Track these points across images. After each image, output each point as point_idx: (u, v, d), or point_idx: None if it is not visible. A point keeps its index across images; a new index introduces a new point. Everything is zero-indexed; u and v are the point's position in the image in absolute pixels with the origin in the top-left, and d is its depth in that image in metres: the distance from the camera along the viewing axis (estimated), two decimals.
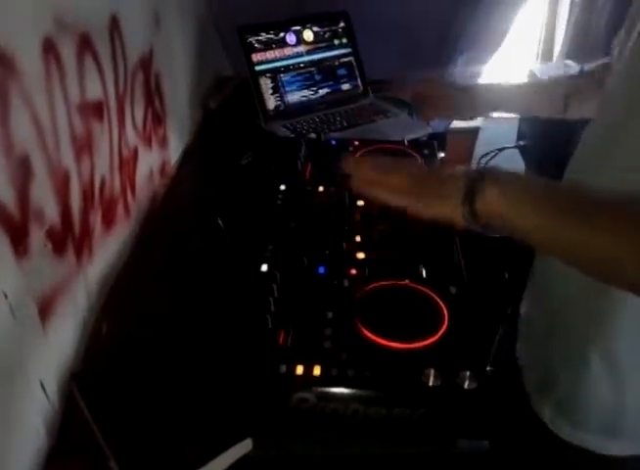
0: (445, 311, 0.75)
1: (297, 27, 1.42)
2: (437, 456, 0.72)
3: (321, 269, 0.84)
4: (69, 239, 0.74)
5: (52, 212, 0.69)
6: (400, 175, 0.69)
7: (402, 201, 0.69)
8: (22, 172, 0.62)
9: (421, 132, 1.36)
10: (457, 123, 2.10)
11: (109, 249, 0.90)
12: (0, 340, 0.61)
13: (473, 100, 1.08)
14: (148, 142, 1.06)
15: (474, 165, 0.95)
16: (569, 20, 1.91)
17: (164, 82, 1.13)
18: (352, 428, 0.70)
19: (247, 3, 1.45)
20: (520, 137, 1.62)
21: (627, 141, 0.64)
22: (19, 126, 0.61)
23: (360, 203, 0.97)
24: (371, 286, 0.79)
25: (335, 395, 0.68)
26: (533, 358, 0.81)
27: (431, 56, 1.66)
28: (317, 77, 1.44)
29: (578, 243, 0.54)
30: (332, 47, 1.46)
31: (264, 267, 0.84)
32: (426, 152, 1.12)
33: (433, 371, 0.68)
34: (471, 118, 1.17)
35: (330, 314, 0.77)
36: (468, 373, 0.68)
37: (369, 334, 0.72)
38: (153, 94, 1.06)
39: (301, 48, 1.43)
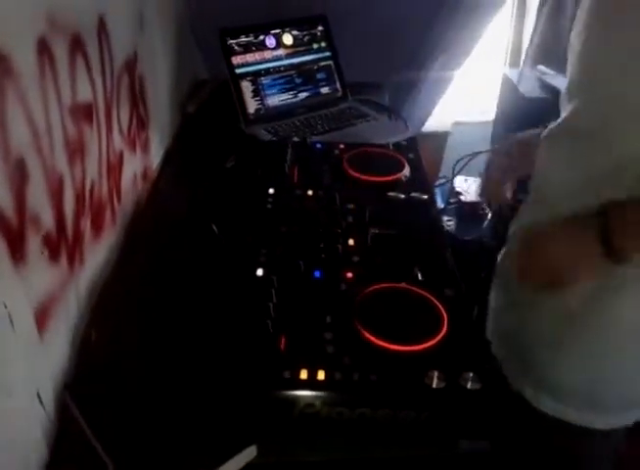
0: (444, 313, 0.76)
1: (277, 31, 1.42)
2: (440, 458, 0.72)
3: (317, 273, 0.84)
4: (63, 245, 0.72)
5: (47, 218, 0.67)
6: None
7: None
8: (19, 176, 0.60)
9: (401, 135, 1.37)
10: (427, 127, 2.14)
11: (97, 255, 0.88)
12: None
13: None
14: (132, 146, 1.04)
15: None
16: (535, 27, 1.95)
17: (147, 86, 1.11)
18: (357, 432, 0.70)
19: (223, 6, 1.44)
20: (494, 141, 1.65)
21: None
22: (15, 128, 0.59)
23: (351, 206, 0.97)
24: (369, 289, 0.79)
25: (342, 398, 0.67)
26: (508, 350, 0.82)
27: (407, 60, 1.69)
28: (297, 81, 1.44)
29: None
30: (311, 51, 1.46)
31: (260, 272, 0.83)
32: (410, 155, 1.13)
33: (436, 373, 0.69)
34: None
35: (329, 318, 0.76)
36: (471, 374, 0.69)
37: (371, 337, 0.72)
38: (137, 97, 1.04)
39: (281, 51, 1.42)
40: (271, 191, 1.01)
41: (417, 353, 0.71)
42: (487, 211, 1.72)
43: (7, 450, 0.60)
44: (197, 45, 1.55)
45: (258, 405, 0.69)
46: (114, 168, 0.94)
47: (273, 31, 1.42)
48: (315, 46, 1.46)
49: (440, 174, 1.76)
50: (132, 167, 1.04)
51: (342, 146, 1.15)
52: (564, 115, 0.72)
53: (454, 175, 1.65)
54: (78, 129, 0.75)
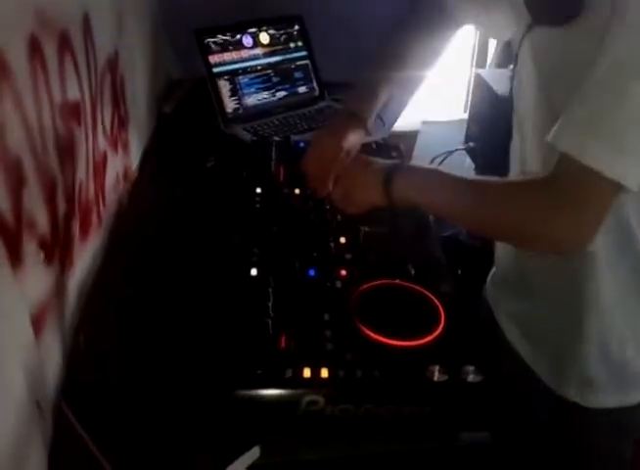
0: (441, 308, 0.77)
1: (253, 30, 1.41)
2: (442, 450, 0.73)
3: (311, 272, 0.84)
4: (57, 248, 0.70)
5: (43, 220, 0.65)
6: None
7: (338, 190, 0.85)
8: (16, 178, 0.59)
9: (380, 135, 1.38)
10: (397, 127, 2.16)
11: (84, 257, 0.86)
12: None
13: None
14: (115, 146, 1.02)
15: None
16: None
17: (127, 85, 1.09)
18: (361, 429, 0.70)
19: (197, 5, 1.43)
20: (468, 139, 1.68)
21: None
22: (11, 129, 0.57)
23: None
24: (365, 286, 0.80)
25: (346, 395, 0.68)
26: (541, 352, 0.85)
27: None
28: (274, 80, 1.44)
29: (468, 210, 0.72)
30: (288, 50, 1.46)
31: (254, 272, 0.83)
32: (394, 154, 1.14)
33: (437, 367, 0.70)
34: None
35: (327, 316, 0.76)
36: (471, 367, 0.70)
37: (370, 334, 0.73)
38: (118, 97, 1.02)
39: (258, 50, 1.42)
40: (258, 190, 1.01)
41: (417, 349, 0.72)
42: None
43: (8, 460, 0.58)
44: (170, 44, 1.53)
45: (260, 405, 0.68)
46: (99, 169, 0.92)
47: (250, 30, 1.41)
48: (292, 45, 1.46)
49: None
50: (115, 168, 1.02)
51: None
52: None
53: None
54: (68, 129, 0.73)
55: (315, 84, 1.49)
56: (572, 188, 0.62)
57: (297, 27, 1.47)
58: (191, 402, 0.70)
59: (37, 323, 0.64)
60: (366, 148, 1.15)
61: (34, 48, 0.63)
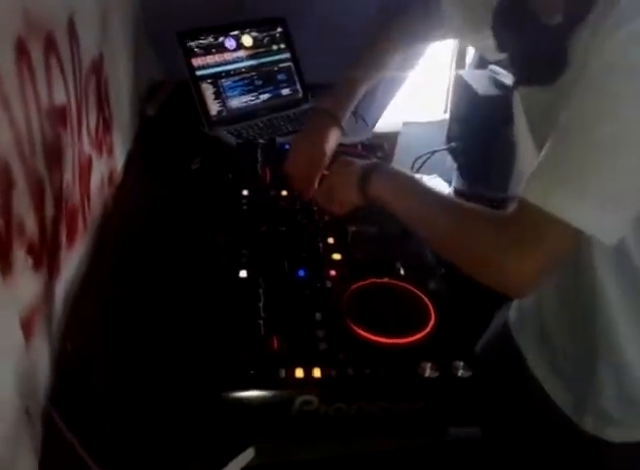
0: (430, 306, 0.78)
1: (236, 32, 1.41)
2: (433, 445, 0.74)
3: (301, 272, 0.84)
4: (45, 253, 0.69)
5: (31, 225, 0.64)
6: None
7: (321, 190, 0.88)
8: (5, 182, 0.58)
9: (364, 135, 1.39)
10: (379, 128, 2.17)
11: (71, 262, 0.85)
12: None
13: None
14: (99, 149, 1.01)
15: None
16: None
17: (110, 88, 1.08)
18: (354, 427, 0.71)
19: (179, 7, 1.42)
20: (450, 139, 1.69)
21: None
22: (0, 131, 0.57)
23: None
24: (356, 286, 0.80)
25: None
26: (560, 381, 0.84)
27: None
28: (257, 83, 1.44)
29: (430, 222, 0.72)
30: (271, 52, 1.46)
31: (243, 273, 0.83)
32: (379, 154, 1.15)
33: (428, 364, 0.71)
34: None
35: (319, 316, 0.77)
36: (461, 363, 0.71)
37: (362, 332, 0.74)
38: (103, 100, 1.02)
39: (241, 53, 1.42)
40: (245, 193, 1.01)
41: (408, 346, 0.73)
42: None
43: None
44: (153, 46, 1.52)
45: (254, 406, 0.69)
46: (85, 173, 0.91)
47: (232, 33, 1.41)
48: (275, 47, 1.47)
49: None
50: (100, 171, 1.02)
51: None
52: None
53: (414, 173, 1.69)
54: (55, 133, 0.73)
55: (299, 86, 1.50)
56: (530, 227, 0.61)
57: (279, 30, 1.47)
58: (183, 405, 0.70)
59: (27, 328, 0.63)
60: (351, 148, 1.16)
61: (21, 50, 0.62)
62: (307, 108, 1.48)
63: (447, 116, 1.80)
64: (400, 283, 0.81)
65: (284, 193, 1.01)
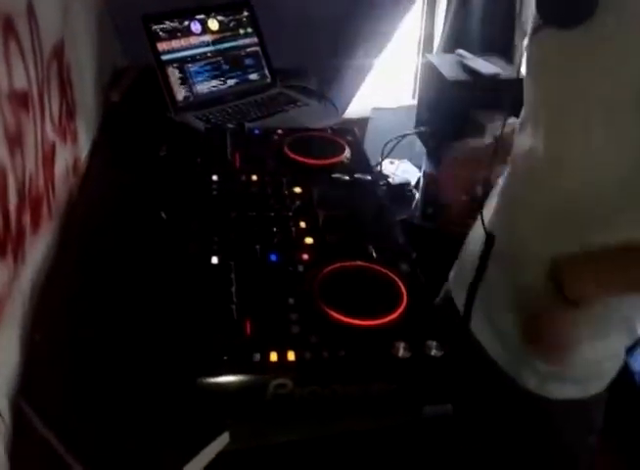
0: (402, 287, 0.78)
1: (202, 16, 1.39)
2: (406, 424, 0.75)
3: (273, 257, 0.84)
4: (9, 241, 0.68)
5: None
6: None
7: None
8: None
9: (334, 120, 1.39)
10: (348, 114, 2.17)
11: (36, 251, 0.83)
12: None
13: None
14: (63, 137, 0.99)
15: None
16: (446, 16, 2.03)
17: (73, 73, 1.05)
18: (329, 409, 0.71)
19: None
20: (418, 123, 1.70)
21: None
22: None
23: (297, 189, 0.98)
24: (328, 269, 0.80)
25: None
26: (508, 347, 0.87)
27: (331, 45, 1.70)
28: (225, 67, 1.42)
29: None
30: (237, 36, 1.44)
31: (215, 259, 0.82)
32: (349, 138, 1.14)
33: (402, 344, 0.71)
34: None
35: (292, 300, 0.77)
36: (434, 342, 0.72)
37: (335, 315, 0.74)
38: (66, 85, 0.99)
39: (207, 37, 1.40)
40: (214, 178, 1.00)
41: (381, 327, 0.73)
42: (415, 192, 1.79)
43: None
44: (116, 31, 1.49)
45: (228, 391, 0.68)
46: (48, 160, 0.89)
47: (198, 17, 1.39)
48: (242, 32, 1.45)
49: None
50: (64, 159, 1.00)
51: (280, 131, 1.15)
52: None
53: (384, 158, 1.70)
54: (16, 119, 0.71)
55: (267, 71, 1.48)
56: None
57: (245, 13, 1.45)
58: (157, 391, 0.69)
59: None
60: (321, 132, 1.16)
61: None
62: (276, 93, 1.47)
63: (416, 100, 1.81)
64: (372, 265, 0.82)
65: (254, 178, 1.00)
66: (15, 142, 0.70)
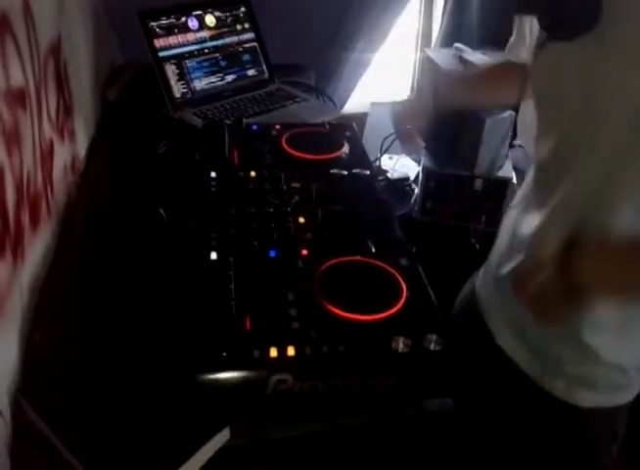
0: (401, 281, 0.78)
1: (199, 12, 1.39)
2: (407, 419, 0.75)
3: (272, 253, 0.84)
4: (7, 239, 0.68)
5: None
6: None
7: None
8: None
9: (332, 115, 1.39)
10: (347, 109, 2.17)
11: (35, 249, 0.83)
12: None
13: None
14: (61, 135, 0.98)
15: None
16: (444, 10, 2.03)
17: (70, 71, 1.05)
18: (330, 404, 0.71)
19: None
20: None
21: None
22: None
23: (296, 185, 0.98)
24: (327, 264, 0.80)
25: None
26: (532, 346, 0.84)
27: (329, 41, 1.70)
28: (222, 63, 1.42)
29: None
30: (235, 32, 1.44)
31: (214, 255, 0.82)
32: (348, 133, 1.14)
33: (401, 338, 0.71)
34: None
35: (291, 296, 0.77)
36: (434, 336, 0.72)
37: (335, 310, 0.74)
38: (63, 83, 0.99)
39: (204, 33, 1.39)
40: (213, 174, 1.00)
41: (381, 322, 0.73)
42: (414, 187, 1.78)
43: None
44: (113, 28, 1.48)
45: (229, 387, 0.68)
46: (47, 158, 0.89)
47: (195, 13, 1.38)
48: (239, 27, 1.44)
49: None
50: (62, 157, 0.99)
51: (278, 127, 1.15)
52: None
53: (382, 153, 1.69)
54: (14, 116, 0.71)
55: (265, 67, 1.48)
56: None
57: (243, 9, 1.45)
58: (158, 388, 0.70)
59: None
60: (318, 127, 1.16)
61: None
62: (274, 88, 1.47)
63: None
64: (371, 260, 0.82)
65: (252, 174, 1.00)
66: (12, 140, 0.70)
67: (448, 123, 1.55)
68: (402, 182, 1.80)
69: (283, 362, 0.68)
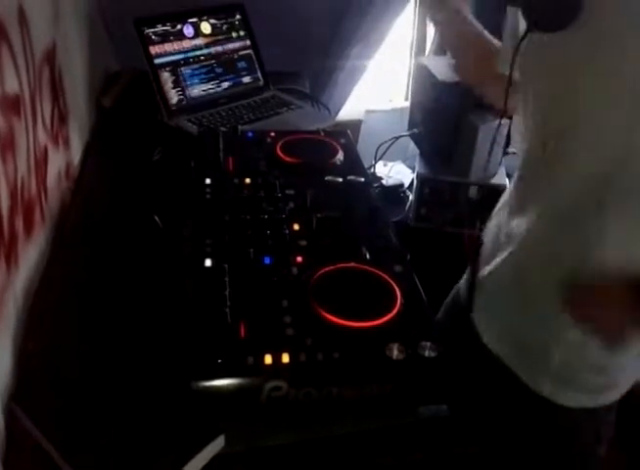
0: (396, 288, 0.79)
1: (194, 20, 1.39)
2: (402, 426, 0.75)
3: (267, 260, 0.84)
4: (1, 246, 0.67)
5: None
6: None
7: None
8: None
9: (327, 122, 1.39)
10: (341, 116, 2.18)
11: (29, 256, 0.83)
12: None
13: None
14: (55, 141, 0.98)
15: None
16: None
17: (65, 78, 1.05)
18: (324, 411, 0.71)
19: None
20: (411, 126, 1.71)
21: None
22: None
23: (291, 192, 0.98)
24: (322, 271, 0.80)
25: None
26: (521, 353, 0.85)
27: (324, 48, 1.71)
28: (218, 70, 1.42)
29: None
30: (230, 39, 1.44)
31: (208, 262, 0.82)
32: (342, 140, 1.15)
33: (396, 345, 0.71)
34: None
35: (285, 303, 0.77)
36: (428, 343, 0.72)
37: (329, 317, 0.74)
38: (57, 90, 0.99)
39: (200, 41, 1.40)
40: (208, 181, 1.00)
41: (375, 328, 0.74)
42: (408, 194, 1.79)
43: None
44: (108, 35, 1.49)
45: (223, 394, 0.68)
46: (41, 164, 0.89)
47: (190, 20, 1.39)
48: (234, 35, 1.45)
49: None
50: (56, 163, 0.99)
51: (273, 134, 1.15)
52: None
53: (377, 160, 1.70)
54: (9, 123, 0.71)
55: (260, 74, 1.48)
56: None
57: (238, 17, 1.46)
58: (152, 395, 0.69)
59: None
60: (313, 134, 1.16)
61: None
62: (269, 96, 1.47)
63: (409, 102, 1.81)
64: (366, 267, 0.82)
65: (247, 181, 1.00)
66: (7, 146, 0.70)
67: (442, 131, 1.56)
68: (397, 189, 1.81)
69: (277, 369, 0.68)
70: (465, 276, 0.99)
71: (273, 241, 0.87)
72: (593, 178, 0.72)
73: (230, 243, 0.85)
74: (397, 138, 1.67)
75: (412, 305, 0.78)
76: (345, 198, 0.99)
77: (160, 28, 1.34)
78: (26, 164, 0.80)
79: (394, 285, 0.79)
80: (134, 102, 1.40)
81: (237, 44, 1.45)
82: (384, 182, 1.80)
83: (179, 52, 1.36)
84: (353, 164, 1.09)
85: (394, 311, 0.75)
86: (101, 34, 1.41)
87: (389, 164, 1.89)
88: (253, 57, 1.48)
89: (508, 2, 0.79)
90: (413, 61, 2.09)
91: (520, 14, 0.76)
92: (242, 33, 1.46)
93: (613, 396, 0.83)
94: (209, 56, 1.41)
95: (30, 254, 0.83)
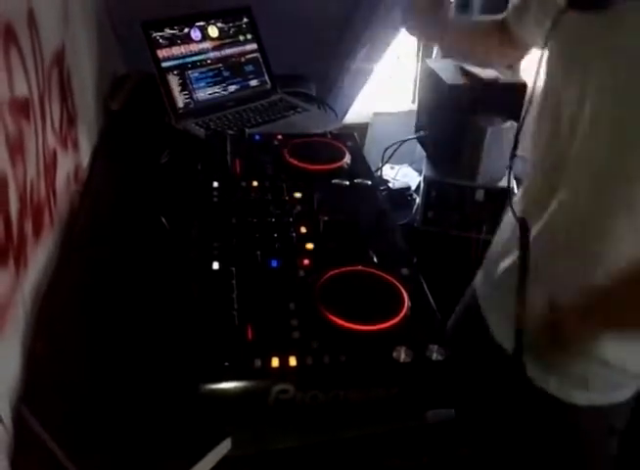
0: (403, 291, 0.78)
1: (202, 23, 1.40)
2: (409, 430, 0.75)
3: (274, 263, 0.84)
4: (10, 249, 0.68)
5: None
6: None
7: None
8: None
9: (334, 125, 1.39)
10: (348, 119, 2.18)
11: (38, 258, 0.84)
12: None
13: None
14: (64, 144, 0.99)
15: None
16: None
17: (74, 81, 1.06)
18: (331, 414, 0.71)
19: None
20: (418, 128, 1.71)
21: None
22: None
23: (298, 195, 0.98)
24: (329, 274, 0.80)
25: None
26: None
27: (331, 51, 1.71)
28: (225, 74, 1.42)
29: None
30: (237, 43, 1.45)
31: (215, 265, 0.82)
32: (349, 143, 1.15)
33: (403, 348, 0.71)
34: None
35: (292, 306, 0.77)
36: (435, 346, 0.72)
37: (336, 320, 0.74)
38: (66, 92, 0.99)
39: (207, 44, 1.40)
40: (215, 184, 1.00)
41: (383, 332, 0.73)
42: (415, 197, 1.79)
43: None
44: (116, 38, 1.49)
45: (230, 397, 0.68)
46: (50, 168, 0.89)
47: (198, 24, 1.39)
48: (241, 38, 1.45)
49: None
50: (65, 167, 1.00)
51: (280, 137, 1.15)
52: None
53: (384, 163, 1.70)
54: (18, 127, 0.71)
55: (267, 77, 1.49)
56: None
57: (245, 20, 1.46)
58: (159, 398, 0.69)
59: None
60: (320, 137, 1.16)
61: None
62: (277, 99, 1.47)
63: (416, 105, 1.81)
64: (373, 270, 0.82)
65: (255, 184, 1.01)
66: (16, 149, 0.70)
67: (450, 133, 1.56)
68: (404, 192, 1.81)
69: (284, 372, 0.68)
70: (478, 275, 0.98)
71: (280, 244, 0.87)
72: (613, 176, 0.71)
73: (237, 246, 0.86)
74: (404, 141, 1.67)
75: (419, 308, 0.77)
76: (352, 201, 0.99)
77: (167, 32, 1.34)
78: (36, 168, 0.80)
79: (401, 288, 0.79)
80: (142, 105, 1.41)
81: (244, 47, 1.46)
82: (391, 185, 1.81)
83: (186, 55, 1.37)
84: (360, 166, 1.09)
85: (401, 315, 0.75)
86: (109, 37, 1.42)
87: (397, 166, 1.89)
88: (261, 60, 1.48)
89: None
90: (420, 63, 2.10)
91: None
92: (249, 37, 1.47)
93: (626, 393, 0.82)
94: (217, 59, 1.42)
95: (39, 257, 0.84)
